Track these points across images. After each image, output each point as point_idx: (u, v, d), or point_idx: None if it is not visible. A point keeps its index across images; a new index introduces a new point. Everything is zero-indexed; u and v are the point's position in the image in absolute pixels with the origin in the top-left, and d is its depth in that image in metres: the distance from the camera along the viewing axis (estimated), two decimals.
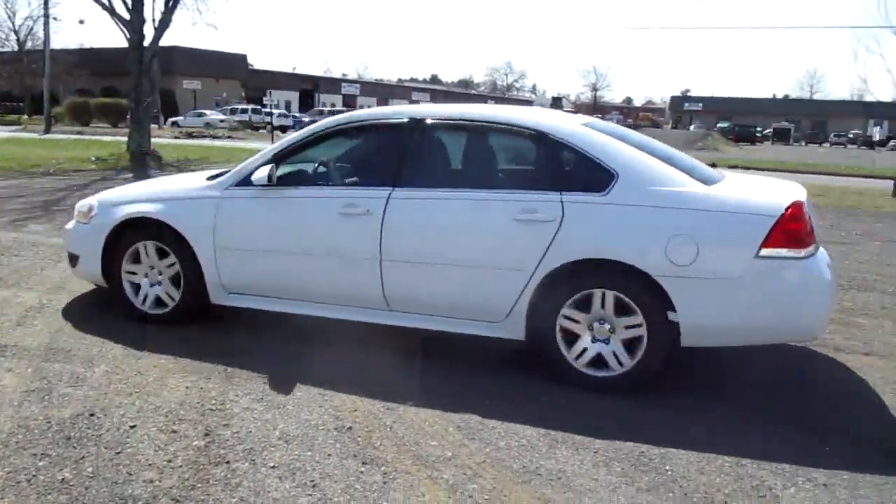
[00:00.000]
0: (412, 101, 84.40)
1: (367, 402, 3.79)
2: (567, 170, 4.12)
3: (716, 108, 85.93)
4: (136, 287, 4.94)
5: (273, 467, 3.11)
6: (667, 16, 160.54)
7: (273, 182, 4.48)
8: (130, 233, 4.86)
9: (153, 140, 20.46)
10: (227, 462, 3.14)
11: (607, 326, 3.94)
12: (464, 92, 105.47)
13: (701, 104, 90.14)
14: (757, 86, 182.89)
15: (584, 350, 3.98)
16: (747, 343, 4.08)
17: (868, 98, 45.13)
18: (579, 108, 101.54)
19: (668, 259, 3.76)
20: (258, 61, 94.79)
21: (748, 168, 24.37)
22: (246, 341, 4.63)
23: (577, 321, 3.97)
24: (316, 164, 4.80)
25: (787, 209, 3.76)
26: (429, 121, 4.46)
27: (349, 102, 68.53)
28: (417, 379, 4.14)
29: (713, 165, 6.20)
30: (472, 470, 3.15)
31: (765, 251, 3.69)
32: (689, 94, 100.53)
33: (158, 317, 4.89)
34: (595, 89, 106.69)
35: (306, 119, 49.35)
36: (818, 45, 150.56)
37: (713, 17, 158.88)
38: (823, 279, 3.80)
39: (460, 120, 4.56)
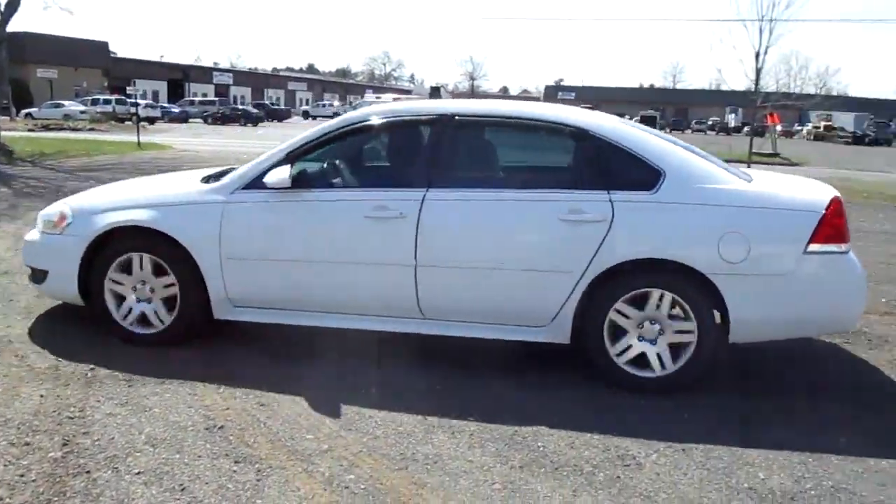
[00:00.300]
0: (289, 91, 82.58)
1: (241, 400, 3.68)
2: (613, 168, 3.97)
3: (588, 96, 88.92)
4: (120, 300, 4.38)
5: (138, 473, 2.97)
6: (541, 6, 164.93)
7: (292, 185, 4.05)
8: (118, 242, 4.29)
9: (3, 133, 18.96)
10: (88, 472, 2.97)
11: (657, 327, 3.88)
12: (342, 81, 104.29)
13: (574, 93, 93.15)
14: (626, 75, 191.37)
15: (629, 347, 3.91)
16: (790, 336, 4.15)
17: (724, 87, 48.19)
18: (457, 97, 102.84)
19: (721, 257, 3.74)
20: (122, 49, 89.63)
21: None
22: (106, 342, 4.38)
23: (627, 317, 3.89)
24: (337, 164, 4.48)
25: (828, 206, 3.83)
26: (463, 117, 4.22)
27: (221, 92, 66.20)
28: (292, 372, 4.06)
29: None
30: (348, 461, 3.13)
31: (812, 247, 3.75)
32: (562, 83, 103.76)
33: (142, 337, 4.35)
34: (472, 78, 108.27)
35: (175, 110, 47.30)
36: (681, 37, 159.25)
37: (584, 8, 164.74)
38: (861, 272, 3.88)
39: (497, 116, 4.36)
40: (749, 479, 3.13)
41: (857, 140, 53.47)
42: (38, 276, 4.56)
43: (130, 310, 4.35)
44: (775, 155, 28.32)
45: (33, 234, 4.67)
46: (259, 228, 4.17)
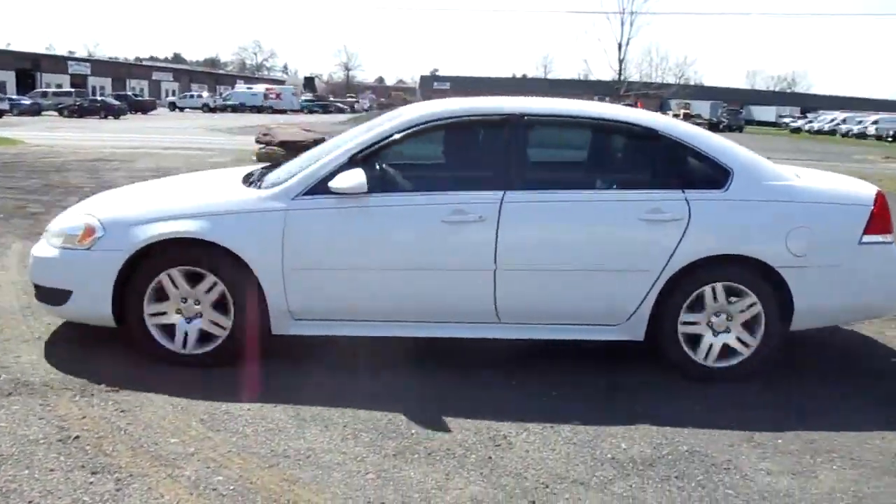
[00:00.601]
0: (153, 82, 78.57)
1: (98, 408, 3.48)
2: (685, 167, 4.07)
3: (463, 87, 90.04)
4: (167, 329, 3.97)
5: None
6: None
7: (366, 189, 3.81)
8: (160, 255, 3.88)
9: None
10: None
11: (725, 316, 3.99)
12: (211, 71, 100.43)
13: (449, 83, 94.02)
14: (499, 66, 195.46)
15: (711, 346, 4.01)
16: (842, 323, 4.39)
17: (592, 78, 50.29)
18: (333, 88, 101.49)
19: (789, 250, 3.88)
20: None
21: None
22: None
23: (710, 312, 3.97)
24: (406, 166, 4.30)
25: (875, 200, 4.06)
26: (532, 116, 4.15)
27: (78, 83, 62.19)
28: (153, 373, 3.87)
29: None
30: (216, 462, 3.02)
31: (865, 238, 3.97)
32: (437, 73, 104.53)
33: (189, 358, 3.97)
34: (348, 69, 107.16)
35: (26, 102, 43.95)
36: (551, 28, 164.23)
37: None
38: None
39: (566, 116, 4.32)
40: (612, 449, 3.28)
41: (713, 127, 56.73)
42: (56, 296, 4.01)
43: (186, 332, 3.96)
44: None
45: (46, 249, 4.09)
46: (328, 236, 3.91)
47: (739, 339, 4.02)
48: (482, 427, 3.43)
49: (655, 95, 29.86)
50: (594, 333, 4.09)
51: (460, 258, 3.92)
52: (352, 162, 3.93)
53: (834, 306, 4.11)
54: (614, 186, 4.17)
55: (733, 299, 3.99)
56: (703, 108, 70.12)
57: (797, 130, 61.14)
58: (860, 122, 56.66)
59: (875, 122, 54.96)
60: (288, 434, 3.29)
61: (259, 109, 57.80)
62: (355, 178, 3.80)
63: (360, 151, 3.98)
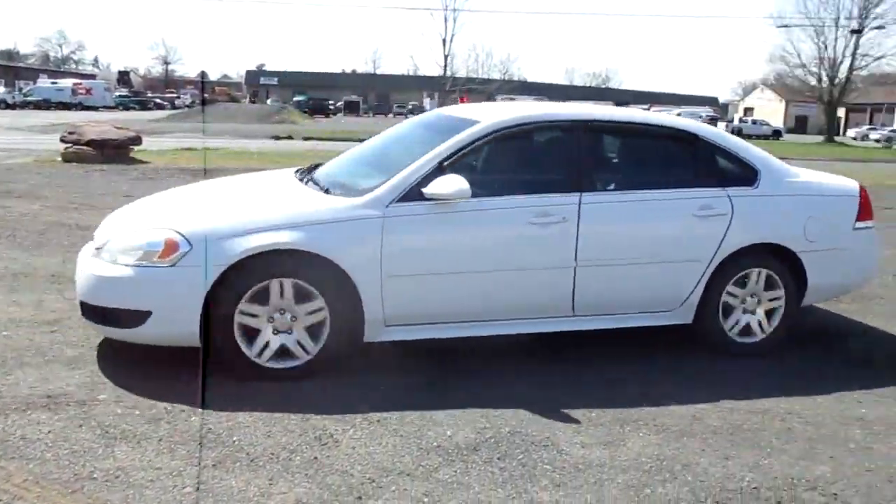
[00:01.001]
0: None
1: None
2: (724, 168, 4.60)
3: (291, 82, 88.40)
4: (250, 334, 3.81)
5: None
6: None
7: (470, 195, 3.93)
8: (252, 268, 3.73)
9: None
10: None
11: (756, 300, 4.58)
12: (8, 65, 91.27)
13: (276, 78, 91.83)
14: (329, 61, 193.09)
15: (738, 321, 4.59)
16: (838, 296, 5.31)
17: (421, 73, 51.03)
18: (151, 83, 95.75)
19: (806, 237, 4.54)
20: None
21: (326, 139, 25.65)
22: None
23: (735, 297, 4.54)
24: (491, 171, 4.45)
25: (860, 191, 4.85)
26: (595, 122, 4.50)
27: None
28: None
29: None
30: (10, 494, 2.74)
31: (857, 224, 4.76)
32: (264, 68, 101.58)
33: (279, 372, 3.84)
34: (167, 63, 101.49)
35: None
36: (380, 23, 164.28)
37: None
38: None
39: (623, 122, 4.76)
40: (438, 437, 3.33)
41: None
42: (129, 318, 3.72)
43: (267, 344, 3.82)
44: None
45: (110, 268, 3.77)
46: (423, 241, 3.99)
47: (763, 315, 4.63)
48: (308, 427, 3.36)
49: (480, 91, 30.77)
50: (652, 319, 4.51)
51: (545, 257, 4.17)
52: (440, 168, 4.03)
53: (833, 283, 4.85)
54: (671, 186, 4.49)
55: (764, 281, 4.58)
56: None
57: None
58: None
59: (679, 115, 60.20)
60: (95, 455, 3.04)
61: (67, 106, 53.22)
62: (457, 184, 3.91)
63: (448, 157, 4.08)
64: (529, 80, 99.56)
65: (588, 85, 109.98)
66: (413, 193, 3.96)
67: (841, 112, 62.94)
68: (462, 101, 32.10)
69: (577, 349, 4.59)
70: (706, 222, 4.41)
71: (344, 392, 3.78)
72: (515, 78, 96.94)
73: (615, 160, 4.81)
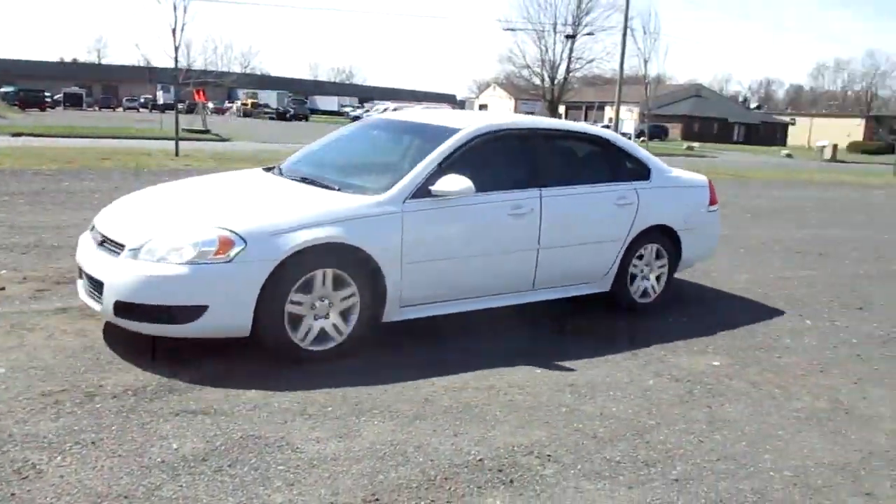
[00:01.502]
0: None
1: None
2: (629, 166, 5.75)
3: (2, 72, 77.92)
4: (295, 321, 4.14)
5: None
6: None
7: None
8: (301, 261, 4.06)
9: None
10: None
11: (650, 269, 5.83)
12: None
13: None
14: (44, 49, 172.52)
15: (639, 287, 5.78)
16: (693, 265, 6.44)
17: (154, 64, 47.49)
18: None
19: (682, 219, 5.87)
20: None
21: (40, 135, 22.94)
22: None
23: (637, 267, 5.74)
24: (478, 171, 4.74)
25: (709, 182, 6.33)
26: (550, 130, 5.50)
27: None
28: None
29: None
30: None
31: (710, 208, 6.20)
32: None
33: (318, 354, 4.23)
34: None
35: None
36: (103, 9, 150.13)
37: None
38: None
39: (566, 130, 5.73)
40: (162, 452, 3.10)
41: (281, 116, 58.89)
42: (184, 314, 3.91)
43: (309, 329, 4.19)
44: (206, 131, 29.21)
45: (160, 268, 3.91)
46: (436, 231, 4.60)
47: (654, 279, 5.86)
48: (5, 460, 2.95)
49: (219, 84, 29.42)
50: (585, 289, 5.54)
51: (520, 242, 5.00)
52: (440, 169, 4.63)
53: (696, 254, 6.19)
54: (598, 181, 5.51)
55: (655, 254, 5.83)
56: (270, 97, 71.80)
57: (357, 118, 66.38)
58: None
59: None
60: None
61: None
62: (462, 182, 4.53)
63: (445, 160, 4.70)
64: (273, 74, 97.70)
65: (332, 80, 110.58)
66: (422, 191, 4.55)
67: (562, 109, 69.76)
68: (197, 95, 30.32)
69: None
70: (623, 210, 5.53)
71: (39, 415, 3.37)
72: (258, 72, 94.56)
73: (561, 161, 5.57)
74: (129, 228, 4.22)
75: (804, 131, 76.73)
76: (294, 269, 4.05)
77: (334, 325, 4.26)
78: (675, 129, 70.83)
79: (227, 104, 67.22)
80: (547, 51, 55.43)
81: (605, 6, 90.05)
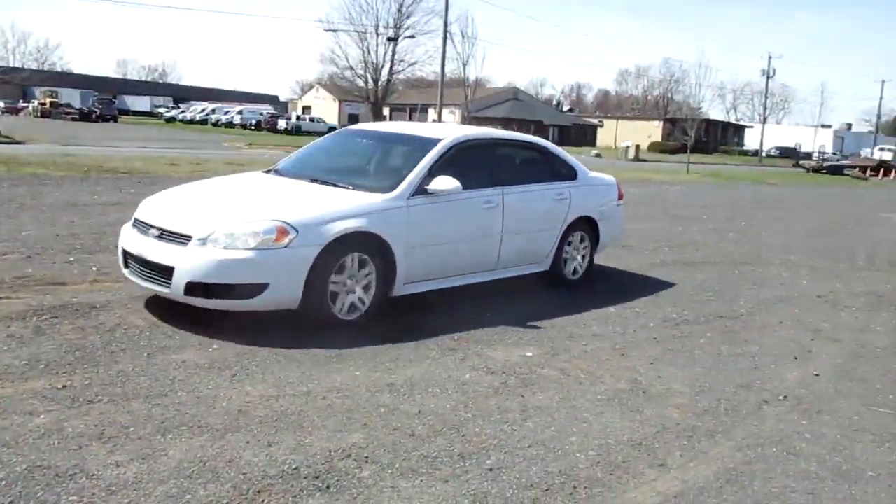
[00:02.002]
0: None
1: None
2: (561, 170, 7.16)
3: None
4: (333, 296, 5.09)
5: None
6: None
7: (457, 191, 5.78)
8: (338, 246, 5.02)
9: None
10: None
11: (576, 251, 7.24)
12: None
13: None
14: None
15: (570, 267, 7.18)
16: (605, 248, 7.90)
17: None
18: None
19: (599, 210, 7.32)
20: None
21: None
22: None
23: (568, 250, 7.12)
24: (457, 173, 5.80)
25: (617, 182, 7.84)
26: (506, 140, 7.11)
27: None
28: None
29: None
30: None
31: (618, 202, 7.69)
32: None
33: (349, 322, 5.18)
34: None
35: None
36: None
37: None
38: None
39: (519, 140, 7.35)
40: None
41: (85, 116, 54.48)
42: (249, 290, 4.78)
43: (343, 302, 5.16)
44: None
45: (229, 253, 4.74)
46: (429, 222, 5.72)
47: (581, 259, 7.31)
48: None
49: (8, 81, 26.76)
50: (532, 269, 6.85)
51: (489, 229, 6.23)
52: (431, 173, 5.73)
53: (609, 239, 7.68)
54: (540, 181, 6.86)
55: (580, 239, 7.25)
56: (72, 96, 66.26)
57: (171, 120, 62.97)
58: (227, 113, 61.62)
59: (240, 113, 60.54)
60: None
61: None
62: (452, 182, 5.66)
63: (434, 164, 5.81)
64: (77, 71, 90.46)
65: (144, 79, 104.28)
66: (419, 190, 5.64)
67: (386, 111, 70.23)
68: None
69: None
70: (560, 203, 6.92)
71: None
72: (58, 69, 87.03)
73: (514, 165, 6.95)
74: (187, 222, 4.99)
75: (611, 132, 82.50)
76: (333, 252, 5.00)
77: (360, 299, 5.28)
78: None
79: (21, 104, 61.13)
80: (369, 53, 55.59)
81: (426, 10, 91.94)
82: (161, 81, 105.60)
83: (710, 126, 74.12)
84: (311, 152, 6.84)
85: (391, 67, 56.30)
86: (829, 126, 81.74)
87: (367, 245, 5.21)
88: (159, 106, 75.22)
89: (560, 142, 77.46)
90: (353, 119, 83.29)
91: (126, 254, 5.24)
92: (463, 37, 28.49)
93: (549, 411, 4.03)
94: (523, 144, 7.23)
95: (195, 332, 4.80)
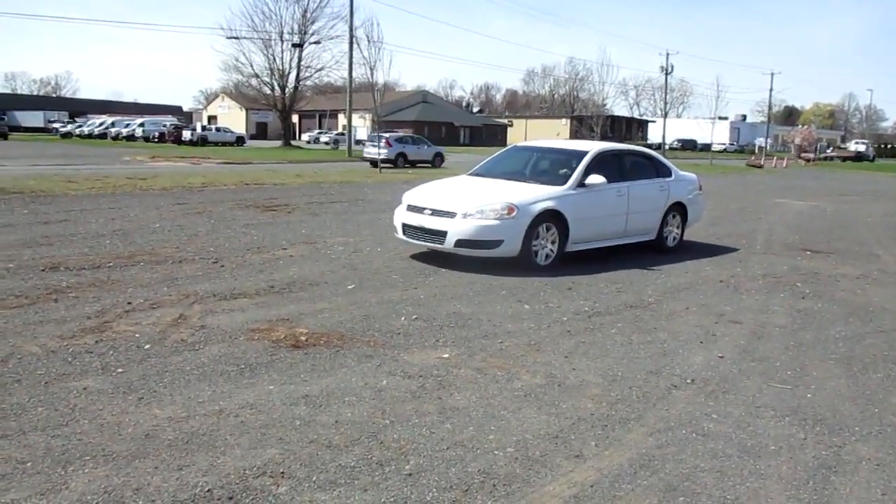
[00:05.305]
0: None
1: None
2: (662, 170, 10.41)
3: None
4: (534, 252, 8.33)
5: None
6: None
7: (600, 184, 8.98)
8: (538, 219, 8.22)
9: None
10: None
11: (671, 226, 10.42)
12: None
13: None
14: None
15: (668, 236, 10.44)
16: (691, 225, 11.07)
17: None
18: None
19: (688, 198, 10.60)
20: None
21: None
22: None
23: (668, 225, 10.26)
24: (600, 171, 9.10)
25: (697, 177, 11.31)
26: (625, 151, 10.56)
27: None
28: None
29: None
30: None
31: (699, 192, 11.07)
32: None
33: (544, 267, 8.35)
34: None
35: None
36: None
37: None
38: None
39: (633, 151, 10.88)
40: None
41: None
42: (492, 244, 8.03)
43: (538, 253, 8.37)
44: None
45: (484, 221, 8.00)
46: (588, 203, 8.86)
47: (677, 233, 10.46)
48: None
49: None
50: (644, 237, 9.88)
51: (619, 209, 9.36)
52: (586, 172, 8.96)
53: (694, 217, 10.78)
54: (647, 178, 10.00)
55: (674, 216, 10.32)
56: None
57: (68, 135, 60.05)
58: (128, 125, 59.24)
59: (142, 125, 58.30)
60: None
61: None
62: (600, 178, 8.89)
63: (588, 167, 9.02)
64: None
65: (36, 93, 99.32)
66: (580, 183, 8.83)
67: (295, 118, 69.21)
68: None
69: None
70: (662, 193, 10.05)
71: None
72: None
73: (633, 166, 9.99)
74: (450, 204, 8.26)
75: (521, 131, 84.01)
76: (537, 222, 8.20)
77: (550, 251, 8.45)
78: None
79: None
80: (275, 59, 54.76)
81: (331, 16, 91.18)
82: (55, 95, 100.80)
83: (615, 122, 76.48)
84: (496, 162, 10.20)
85: (298, 74, 55.58)
86: (726, 118, 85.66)
87: (553, 217, 8.36)
88: (54, 121, 71.58)
89: (471, 142, 78.26)
90: (262, 127, 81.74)
91: (405, 225, 8.59)
92: (369, 41, 28.34)
93: (467, 411, 4.04)
94: (638, 153, 10.73)
95: (96, 355, 4.58)
